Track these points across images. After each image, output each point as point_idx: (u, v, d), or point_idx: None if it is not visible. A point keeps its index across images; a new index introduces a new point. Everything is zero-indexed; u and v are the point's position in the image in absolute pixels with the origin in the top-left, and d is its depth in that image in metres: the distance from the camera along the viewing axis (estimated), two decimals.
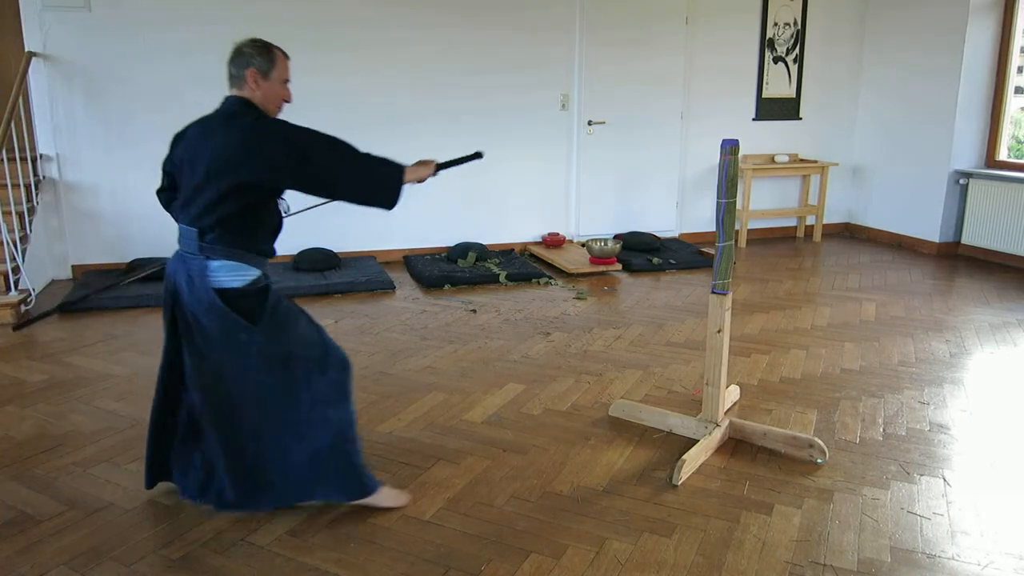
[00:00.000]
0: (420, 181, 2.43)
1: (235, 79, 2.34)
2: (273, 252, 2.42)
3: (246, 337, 2.31)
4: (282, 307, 2.42)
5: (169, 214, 2.52)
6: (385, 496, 2.56)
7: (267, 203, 2.36)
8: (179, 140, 2.47)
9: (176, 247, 2.37)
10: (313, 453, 2.42)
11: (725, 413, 3.19)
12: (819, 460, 2.88)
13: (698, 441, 2.95)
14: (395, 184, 2.33)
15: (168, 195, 2.55)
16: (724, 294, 2.91)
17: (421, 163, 2.46)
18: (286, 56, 2.39)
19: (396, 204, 2.35)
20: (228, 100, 2.36)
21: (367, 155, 2.31)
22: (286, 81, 2.39)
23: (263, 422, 2.40)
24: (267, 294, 2.38)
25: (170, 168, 2.50)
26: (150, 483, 2.59)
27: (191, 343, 2.36)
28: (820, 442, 2.91)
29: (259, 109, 2.33)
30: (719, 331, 2.94)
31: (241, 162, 2.21)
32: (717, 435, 2.99)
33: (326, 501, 2.52)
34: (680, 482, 2.73)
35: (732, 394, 3.45)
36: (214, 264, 2.28)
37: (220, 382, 2.36)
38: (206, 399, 2.39)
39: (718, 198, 2.80)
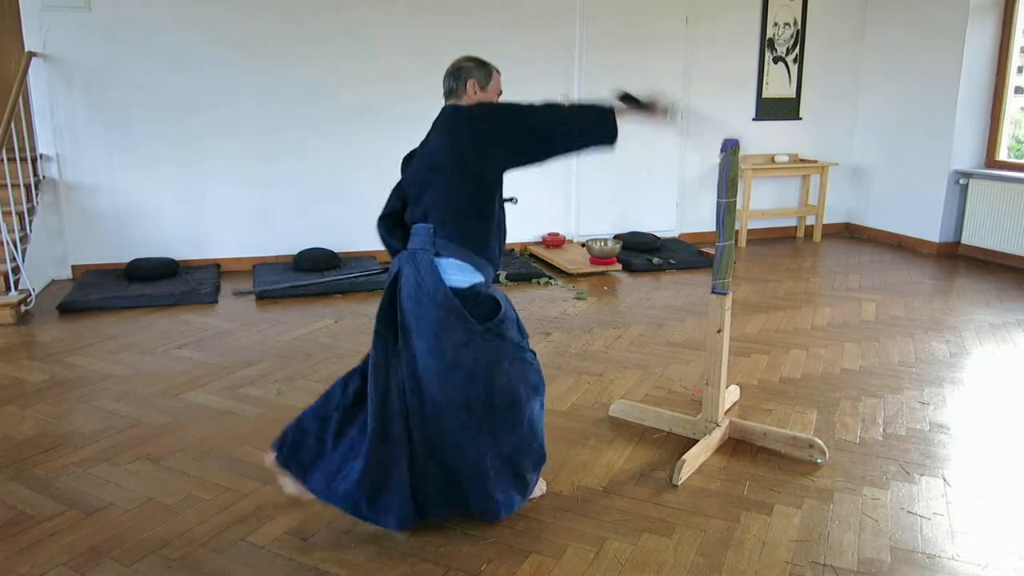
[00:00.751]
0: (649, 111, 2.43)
1: (453, 91, 2.46)
2: (497, 257, 2.44)
3: (465, 335, 2.28)
4: (509, 316, 2.41)
5: (386, 242, 2.56)
6: (538, 488, 2.63)
7: (491, 196, 2.38)
8: (409, 159, 2.53)
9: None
10: (500, 459, 2.41)
11: (725, 413, 3.19)
12: (819, 460, 2.88)
13: (698, 441, 2.95)
14: (611, 117, 2.34)
15: (391, 220, 2.56)
16: (724, 294, 2.90)
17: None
18: (498, 72, 2.51)
19: (617, 138, 2.35)
20: (444, 108, 2.44)
21: (572, 104, 2.42)
22: (499, 94, 2.51)
23: (463, 430, 2.34)
24: (489, 299, 2.37)
25: (402, 191, 2.53)
26: (404, 523, 2.37)
27: (406, 341, 2.31)
28: (820, 442, 2.91)
29: None
30: (719, 331, 2.93)
31: (459, 139, 2.30)
32: (717, 435, 2.99)
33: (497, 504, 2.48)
34: (680, 482, 2.73)
35: (732, 394, 3.45)
36: (443, 261, 2.31)
37: (426, 383, 2.31)
38: (411, 400, 2.32)
39: (718, 198, 2.80)
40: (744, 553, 2.34)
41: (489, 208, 2.38)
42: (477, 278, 2.36)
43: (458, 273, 2.33)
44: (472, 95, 2.43)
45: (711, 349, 2.97)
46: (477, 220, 2.36)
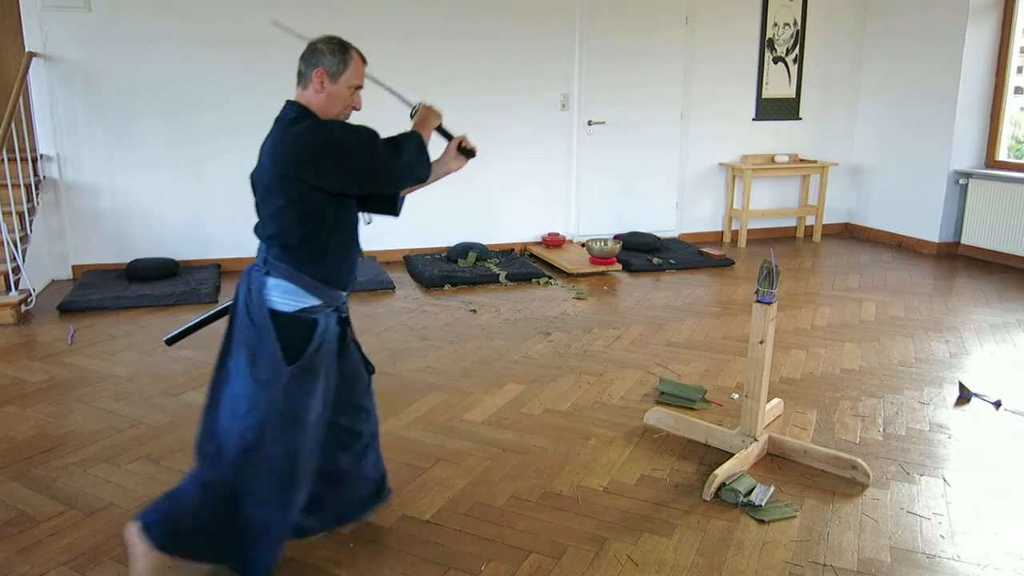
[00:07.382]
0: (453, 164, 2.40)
1: (302, 76, 2.14)
2: (345, 281, 2.19)
3: (272, 371, 2.05)
4: (326, 358, 2.15)
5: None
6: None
7: (325, 218, 2.10)
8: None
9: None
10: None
11: (766, 427, 3.02)
12: (864, 482, 2.74)
13: (733, 455, 2.82)
14: (424, 154, 2.21)
15: None
16: (770, 303, 2.74)
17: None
18: (363, 60, 2.18)
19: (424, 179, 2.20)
20: (285, 105, 2.14)
21: (398, 141, 2.15)
22: (358, 88, 2.18)
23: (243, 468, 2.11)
24: (315, 330, 2.10)
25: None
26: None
27: (223, 360, 2.15)
28: (864, 464, 2.77)
29: (314, 115, 2.12)
30: (761, 342, 2.74)
31: (279, 157, 2.04)
32: (755, 450, 2.87)
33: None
34: (710, 497, 2.65)
35: (775, 408, 3.30)
36: (271, 282, 2.08)
37: (228, 404, 2.12)
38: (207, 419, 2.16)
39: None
40: (744, 553, 2.34)
41: (321, 234, 2.10)
42: (310, 301, 2.10)
43: (284, 295, 2.08)
44: (318, 87, 2.10)
45: (753, 360, 2.80)
46: (312, 246, 2.09)
